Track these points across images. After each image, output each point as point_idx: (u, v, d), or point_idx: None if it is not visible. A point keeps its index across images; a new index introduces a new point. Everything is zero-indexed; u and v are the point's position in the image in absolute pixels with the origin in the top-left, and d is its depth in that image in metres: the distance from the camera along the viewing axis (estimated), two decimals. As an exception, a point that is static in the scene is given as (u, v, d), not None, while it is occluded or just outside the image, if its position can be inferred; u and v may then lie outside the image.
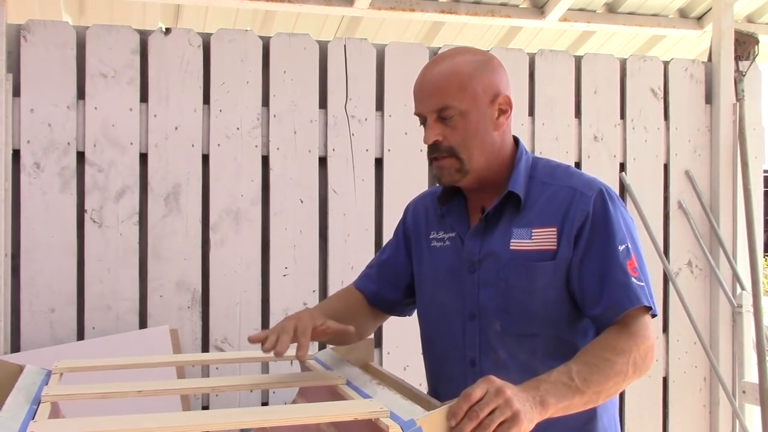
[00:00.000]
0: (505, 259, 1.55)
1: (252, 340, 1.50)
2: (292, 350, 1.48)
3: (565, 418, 1.39)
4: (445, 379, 1.67)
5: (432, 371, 1.74)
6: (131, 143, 2.66)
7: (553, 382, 1.34)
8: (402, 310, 1.84)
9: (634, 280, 1.48)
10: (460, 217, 1.66)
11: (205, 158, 2.74)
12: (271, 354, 1.47)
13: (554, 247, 1.52)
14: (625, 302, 1.47)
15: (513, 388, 1.26)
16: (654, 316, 1.52)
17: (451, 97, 1.52)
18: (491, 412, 1.21)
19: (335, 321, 1.60)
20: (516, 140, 1.65)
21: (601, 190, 1.54)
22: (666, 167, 3.21)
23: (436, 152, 1.55)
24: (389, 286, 1.79)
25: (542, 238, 1.53)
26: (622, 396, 3.09)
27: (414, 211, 1.79)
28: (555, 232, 1.52)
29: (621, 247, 1.50)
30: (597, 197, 1.53)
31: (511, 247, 1.55)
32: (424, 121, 1.58)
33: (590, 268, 1.50)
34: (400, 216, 1.87)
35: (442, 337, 1.67)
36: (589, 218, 1.51)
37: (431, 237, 1.70)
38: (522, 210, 1.56)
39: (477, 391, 1.22)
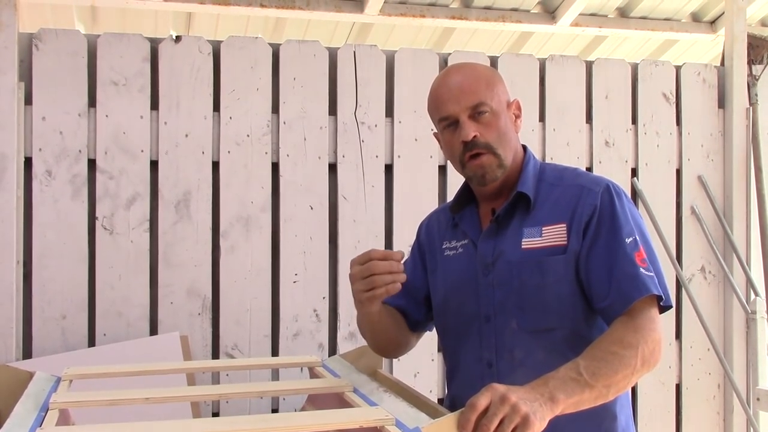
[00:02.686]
0: (517, 258, 1.57)
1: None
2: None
3: (584, 419, 1.39)
4: (463, 382, 1.67)
5: (450, 376, 1.76)
6: (142, 151, 2.67)
7: (561, 378, 1.34)
8: (425, 326, 1.85)
9: (642, 270, 1.49)
10: (472, 223, 1.68)
11: (216, 165, 2.74)
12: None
13: (564, 243, 1.55)
14: (633, 292, 1.48)
15: (518, 392, 1.25)
16: (669, 307, 1.52)
17: (484, 95, 1.57)
18: (501, 422, 1.21)
19: (386, 318, 1.68)
20: (524, 147, 1.70)
21: (608, 185, 1.58)
22: (678, 172, 3.19)
23: (475, 148, 1.57)
24: (411, 301, 1.80)
25: (552, 235, 1.56)
26: (635, 402, 3.07)
27: (427, 228, 1.83)
28: (564, 228, 1.55)
29: (628, 240, 1.51)
30: (604, 192, 1.57)
31: (522, 247, 1.57)
32: (451, 124, 1.60)
33: (598, 260, 1.52)
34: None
35: (458, 341, 1.68)
36: (596, 212, 1.54)
37: (444, 247, 1.73)
38: (532, 210, 1.59)
39: (481, 399, 1.22)
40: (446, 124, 1.60)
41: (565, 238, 1.54)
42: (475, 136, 1.56)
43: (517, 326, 1.57)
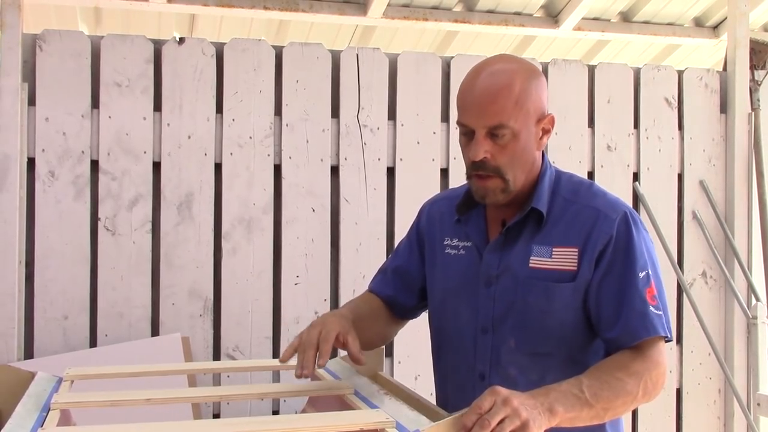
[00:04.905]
0: (524, 276, 1.53)
1: (283, 360, 1.51)
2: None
3: (571, 430, 1.39)
4: (454, 389, 1.67)
5: (441, 380, 1.73)
6: (145, 152, 2.68)
7: (563, 391, 1.34)
8: (415, 314, 1.81)
9: (652, 308, 1.47)
10: (478, 228, 1.63)
11: (218, 167, 2.75)
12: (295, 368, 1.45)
13: (574, 268, 1.50)
14: (641, 331, 1.46)
15: (520, 397, 1.26)
16: (668, 341, 1.51)
17: (507, 115, 1.45)
18: (501, 422, 1.21)
19: (360, 321, 1.59)
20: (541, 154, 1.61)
21: (625, 214, 1.52)
22: (680, 177, 3.19)
23: (481, 170, 1.49)
24: (404, 290, 1.75)
25: (563, 258, 1.51)
26: (635, 408, 3.07)
27: (429, 214, 1.75)
28: (576, 253, 1.51)
29: (641, 274, 1.48)
30: (621, 221, 1.51)
31: (530, 265, 1.53)
32: (469, 132, 1.50)
33: (609, 292, 1.49)
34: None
35: (452, 347, 1.66)
36: (612, 241, 1.49)
37: (445, 243, 1.67)
38: (543, 227, 1.54)
39: (485, 402, 1.23)
40: (463, 131, 1.51)
41: (576, 264, 1.50)
42: (484, 158, 1.47)
43: (515, 346, 1.54)
